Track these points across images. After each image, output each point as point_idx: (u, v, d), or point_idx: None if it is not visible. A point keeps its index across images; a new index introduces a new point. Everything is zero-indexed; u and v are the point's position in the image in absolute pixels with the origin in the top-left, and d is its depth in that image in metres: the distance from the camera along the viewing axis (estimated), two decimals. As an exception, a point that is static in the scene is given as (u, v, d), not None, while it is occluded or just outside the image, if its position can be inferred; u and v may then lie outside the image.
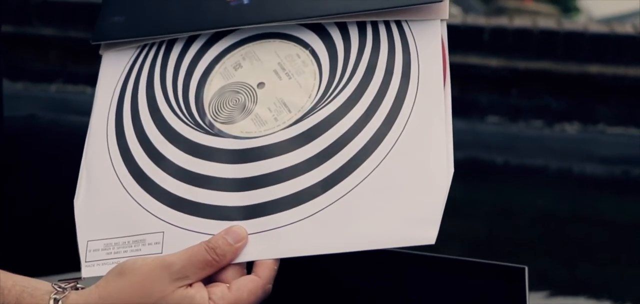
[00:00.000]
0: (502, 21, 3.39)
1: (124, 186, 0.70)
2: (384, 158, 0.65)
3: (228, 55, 0.74)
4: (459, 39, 3.23)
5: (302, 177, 0.65)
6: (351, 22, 0.71)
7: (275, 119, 0.69)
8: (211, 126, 0.70)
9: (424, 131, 0.66)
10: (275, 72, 0.71)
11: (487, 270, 0.71)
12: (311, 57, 0.71)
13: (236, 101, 0.71)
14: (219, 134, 0.69)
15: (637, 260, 2.62)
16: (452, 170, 0.65)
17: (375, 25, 0.71)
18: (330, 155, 0.66)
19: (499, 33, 3.22)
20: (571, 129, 3.25)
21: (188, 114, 0.72)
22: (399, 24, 0.70)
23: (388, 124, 0.66)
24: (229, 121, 0.70)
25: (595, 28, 3.29)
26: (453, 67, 2.81)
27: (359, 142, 0.66)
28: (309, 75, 0.70)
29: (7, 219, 0.91)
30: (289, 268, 0.67)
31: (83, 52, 3.34)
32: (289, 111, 0.69)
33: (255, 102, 0.70)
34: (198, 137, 0.70)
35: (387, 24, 0.71)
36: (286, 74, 0.71)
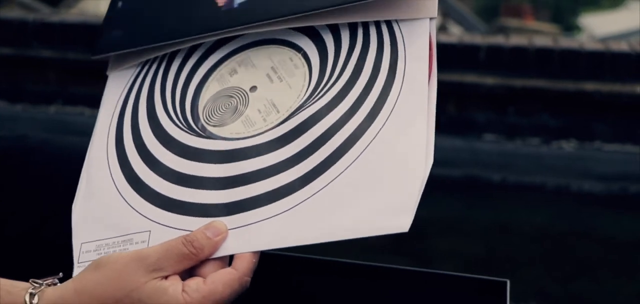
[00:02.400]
0: (499, 39, 3.40)
1: (118, 190, 0.71)
2: (363, 151, 0.67)
3: (225, 63, 0.75)
4: (456, 57, 3.25)
5: (282, 174, 0.67)
6: (343, 25, 0.72)
7: (264, 120, 0.70)
8: (203, 129, 0.72)
9: (405, 125, 0.67)
10: (268, 75, 0.73)
11: (469, 284, 0.72)
12: (303, 60, 0.73)
13: (229, 104, 0.72)
14: (210, 136, 0.71)
15: (636, 277, 2.62)
16: (431, 161, 0.67)
17: (366, 27, 0.72)
18: (311, 151, 0.67)
19: (496, 51, 3.23)
20: (568, 146, 3.25)
21: (183, 119, 0.74)
22: (389, 24, 0.72)
23: (370, 119, 0.68)
24: (220, 124, 0.72)
25: (591, 46, 3.30)
26: (450, 85, 2.83)
27: (340, 138, 0.67)
28: (300, 76, 0.72)
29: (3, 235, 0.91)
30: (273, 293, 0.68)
31: (82, 73, 3.35)
32: (278, 111, 0.70)
33: (246, 104, 0.72)
34: (189, 139, 0.71)
35: (377, 25, 0.72)
36: (278, 77, 0.72)
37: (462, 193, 3.17)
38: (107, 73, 0.81)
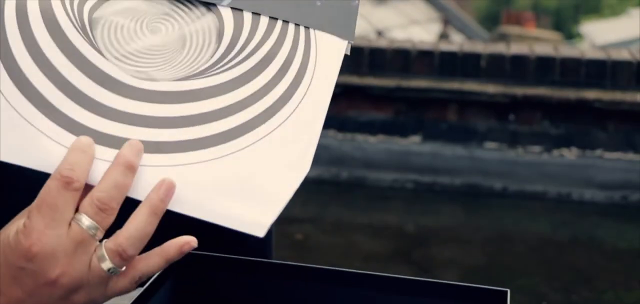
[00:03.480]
0: (500, 48, 3.41)
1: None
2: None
3: None
4: (457, 65, 3.25)
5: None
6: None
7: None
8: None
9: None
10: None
11: (470, 293, 0.71)
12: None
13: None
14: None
15: (636, 285, 2.62)
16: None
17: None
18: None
19: (497, 59, 3.24)
20: (569, 154, 3.25)
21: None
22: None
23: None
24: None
25: (592, 54, 3.30)
26: (451, 93, 2.82)
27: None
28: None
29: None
30: None
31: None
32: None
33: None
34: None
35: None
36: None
37: (463, 201, 3.17)
38: None
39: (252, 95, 0.70)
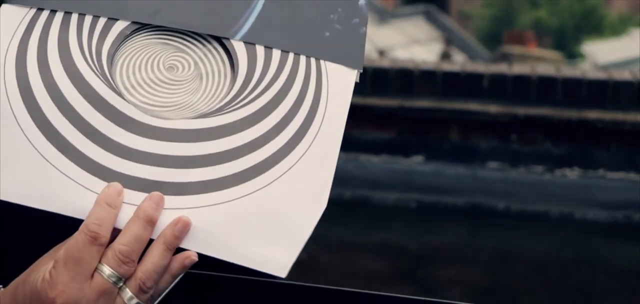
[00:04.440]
0: (502, 68, 3.42)
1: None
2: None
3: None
4: (459, 85, 3.26)
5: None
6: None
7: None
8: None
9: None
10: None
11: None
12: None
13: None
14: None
15: (640, 305, 2.62)
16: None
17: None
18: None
19: (499, 79, 3.25)
20: (572, 174, 3.25)
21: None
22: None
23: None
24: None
25: (593, 74, 3.31)
26: (453, 113, 2.83)
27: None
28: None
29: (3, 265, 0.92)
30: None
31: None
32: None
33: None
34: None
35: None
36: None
37: (466, 221, 3.17)
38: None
39: (268, 132, 0.70)
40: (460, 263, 2.86)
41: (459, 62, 5.26)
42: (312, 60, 0.74)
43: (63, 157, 0.66)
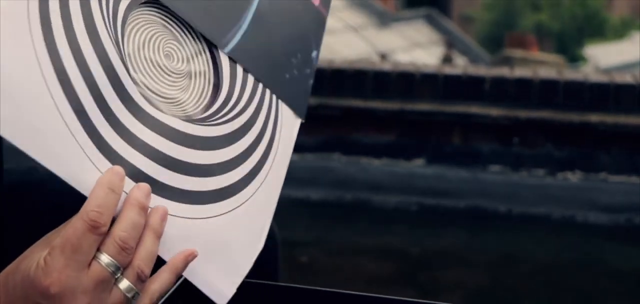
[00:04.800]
0: (503, 71, 3.42)
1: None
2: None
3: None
4: (461, 88, 3.26)
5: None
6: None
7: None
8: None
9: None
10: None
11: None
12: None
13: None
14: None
15: (641, 308, 2.62)
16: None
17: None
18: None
19: (500, 83, 3.25)
20: (573, 177, 3.25)
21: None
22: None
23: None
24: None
25: (595, 78, 3.31)
26: (455, 116, 2.83)
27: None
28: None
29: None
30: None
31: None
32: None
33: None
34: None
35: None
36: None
37: (468, 224, 3.17)
38: None
39: (240, 154, 0.72)
40: (462, 266, 2.85)
41: (460, 65, 5.26)
42: (274, 97, 0.76)
43: (77, 121, 0.62)
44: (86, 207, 0.61)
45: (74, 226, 0.60)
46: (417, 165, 3.33)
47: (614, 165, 3.21)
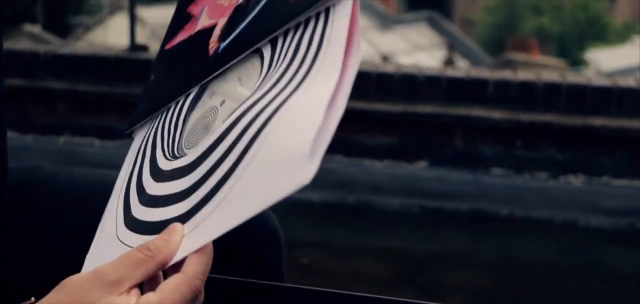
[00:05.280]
0: (506, 74, 3.41)
1: (117, 232, 0.72)
2: (271, 120, 0.67)
3: (206, 90, 0.78)
4: (464, 91, 3.26)
5: (219, 169, 0.68)
6: None
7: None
8: (182, 154, 0.73)
9: (313, 90, 0.67)
10: (234, 86, 0.75)
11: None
12: (259, 59, 0.74)
13: (204, 125, 0.74)
14: (183, 155, 0.73)
15: (643, 312, 2.61)
16: (340, 111, 0.66)
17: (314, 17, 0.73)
18: (238, 140, 0.68)
19: (503, 85, 3.24)
20: (576, 181, 3.25)
21: (171, 152, 0.76)
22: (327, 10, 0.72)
23: (288, 91, 0.68)
24: (194, 144, 0.74)
25: (598, 81, 3.31)
26: (457, 118, 2.83)
27: (262, 118, 0.68)
28: (255, 76, 0.74)
29: (8, 269, 0.91)
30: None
31: (91, 104, 3.38)
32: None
33: (215, 119, 0.73)
34: (168, 164, 0.74)
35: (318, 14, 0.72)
36: (241, 83, 0.74)
37: (470, 227, 3.17)
38: (133, 135, 0.86)
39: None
40: (463, 269, 2.85)
41: (462, 67, 5.25)
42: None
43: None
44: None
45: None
46: (420, 167, 3.32)
47: (617, 169, 3.20)
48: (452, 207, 3.23)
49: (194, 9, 0.87)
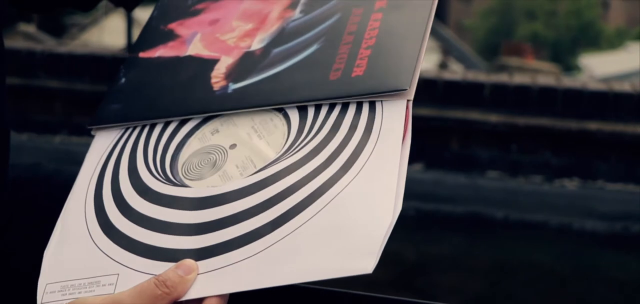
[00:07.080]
0: (503, 78, 3.42)
1: (90, 235, 0.72)
2: (333, 199, 0.67)
3: (208, 123, 0.78)
4: (460, 94, 3.26)
5: (253, 219, 0.67)
6: None
7: (241, 175, 0.72)
8: (181, 182, 0.73)
9: (376, 177, 0.68)
10: (248, 134, 0.74)
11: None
12: (283, 120, 0.74)
13: (208, 160, 0.74)
14: (186, 186, 0.72)
15: (638, 317, 2.62)
16: (399, 209, 0.68)
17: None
18: (282, 198, 0.68)
19: (500, 89, 3.25)
20: (571, 185, 3.26)
21: (162, 173, 0.75)
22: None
23: (343, 171, 0.69)
24: (198, 178, 0.73)
25: (594, 86, 3.32)
26: (453, 122, 2.82)
27: (311, 186, 0.68)
28: (279, 135, 0.73)
29: (7, 268, 0.91)
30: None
31: (87, 104, 3.37)
32: (255, 166, 0.72)
33: (225, 160, 0.73)
34: (165, 189, 0.72)
35: None
36: (258, 135, 0.74)
37: (465, 230, 3.17)
38: (93, 133, 0.83)
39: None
40: (459, 272, 2.85)
41: (458, 71, 5.26)
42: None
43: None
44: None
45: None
46: (416, 170, 3.33)
47: (612, 173, 3.21)
48: (447, 210, 3.23)
49: (178, 29, 0.87)
